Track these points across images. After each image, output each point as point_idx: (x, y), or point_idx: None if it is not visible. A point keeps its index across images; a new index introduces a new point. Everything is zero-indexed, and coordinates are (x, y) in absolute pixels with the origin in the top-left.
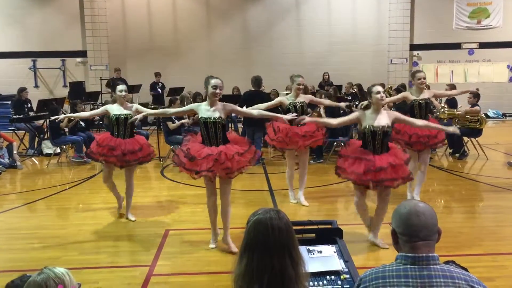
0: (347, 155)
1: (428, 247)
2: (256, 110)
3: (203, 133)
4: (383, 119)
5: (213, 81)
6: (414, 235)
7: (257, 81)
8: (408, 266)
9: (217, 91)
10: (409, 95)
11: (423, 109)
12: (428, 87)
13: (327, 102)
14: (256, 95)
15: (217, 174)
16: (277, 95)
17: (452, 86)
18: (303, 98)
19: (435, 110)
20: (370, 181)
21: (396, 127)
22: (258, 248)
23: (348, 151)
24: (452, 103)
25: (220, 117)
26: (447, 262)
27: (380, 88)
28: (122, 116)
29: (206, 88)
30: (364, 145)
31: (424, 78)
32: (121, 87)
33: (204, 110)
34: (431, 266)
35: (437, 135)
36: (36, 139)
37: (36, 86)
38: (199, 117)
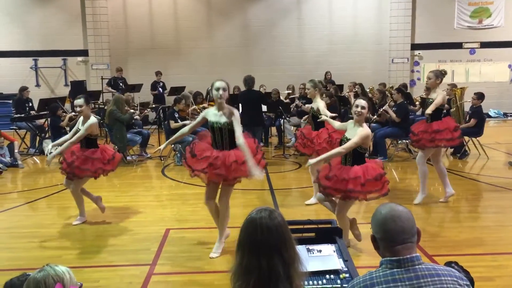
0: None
1: (408, 249)
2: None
3: (211, 137)
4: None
5: (216, 84)
6: (392, 239)
7: (247, 81)
8: (395, 269)
9: (220, 92)
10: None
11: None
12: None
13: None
14: (248, 95)
15: (215, 178)
16: (278, 94)
17: (453, 85)
18: None
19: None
20: None
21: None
22: (248, 247)
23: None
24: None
25: (226, 122)
26: (449, 263)
27: (361, 103)
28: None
29: (211, 92)
30: (360, 158)
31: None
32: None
33: (212, 114)
34: (417, 267)
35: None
36: (37, 138)
37: (38, 85)
38: (208, 120)
